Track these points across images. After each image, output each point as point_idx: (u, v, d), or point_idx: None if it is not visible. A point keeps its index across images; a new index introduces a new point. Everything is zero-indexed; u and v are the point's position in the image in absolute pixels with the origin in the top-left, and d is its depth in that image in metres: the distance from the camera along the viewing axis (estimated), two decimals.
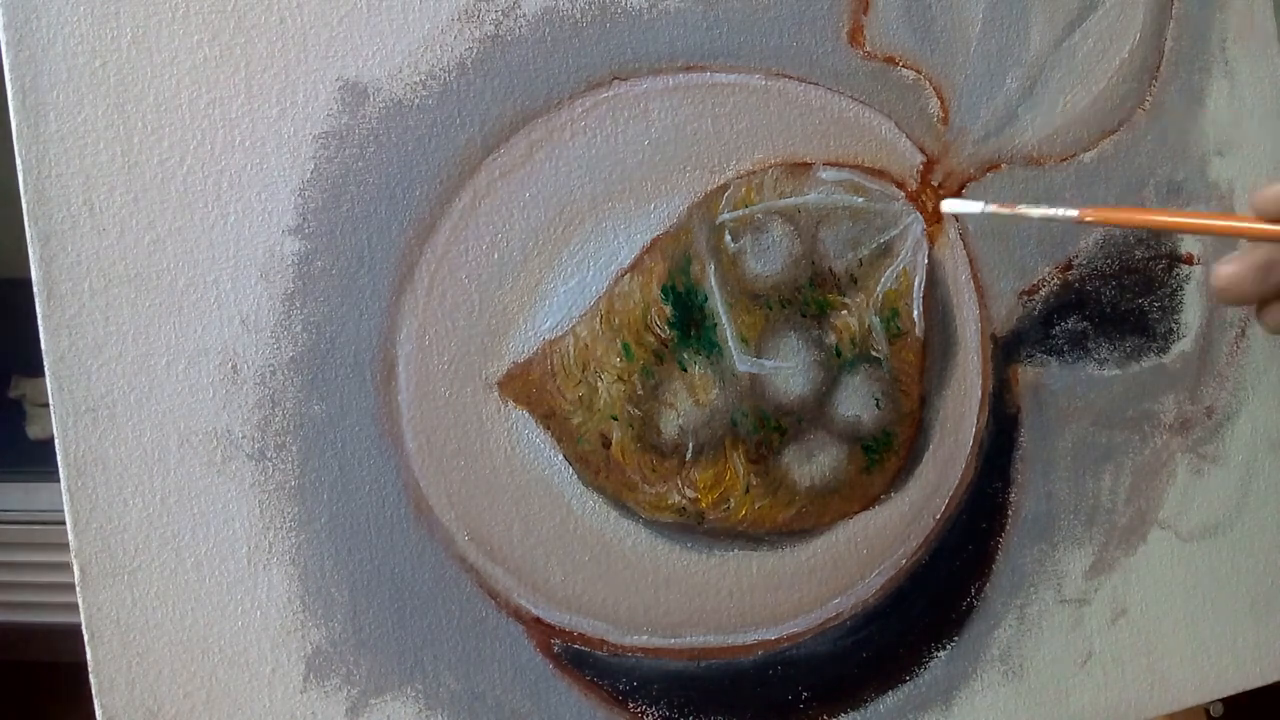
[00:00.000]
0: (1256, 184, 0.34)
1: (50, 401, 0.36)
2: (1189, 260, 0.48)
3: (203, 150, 0.37)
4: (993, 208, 0.40)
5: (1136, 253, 0.47)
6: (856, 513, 0.43)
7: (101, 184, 0.36)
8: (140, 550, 0.37)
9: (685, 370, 0.41)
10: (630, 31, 0.40)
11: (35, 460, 0.86)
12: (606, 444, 0.41)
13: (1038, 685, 0.46)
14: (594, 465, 0.41)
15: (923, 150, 0.44)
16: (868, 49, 0.43)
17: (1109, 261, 0.46)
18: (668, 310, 0.41)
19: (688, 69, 0.41)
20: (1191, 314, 0.48)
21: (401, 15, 0.38)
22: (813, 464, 0.43)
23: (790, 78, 0.42)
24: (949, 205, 0.43)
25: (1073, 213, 0.37)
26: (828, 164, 0.43)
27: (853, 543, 0.43)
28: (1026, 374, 0.46)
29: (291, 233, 0.38)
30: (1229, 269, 0.34)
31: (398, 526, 0.39)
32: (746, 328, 0.42)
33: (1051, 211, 0.38)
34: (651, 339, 0.41)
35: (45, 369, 0.36)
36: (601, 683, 0.41)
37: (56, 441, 0.36)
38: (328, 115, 0.38)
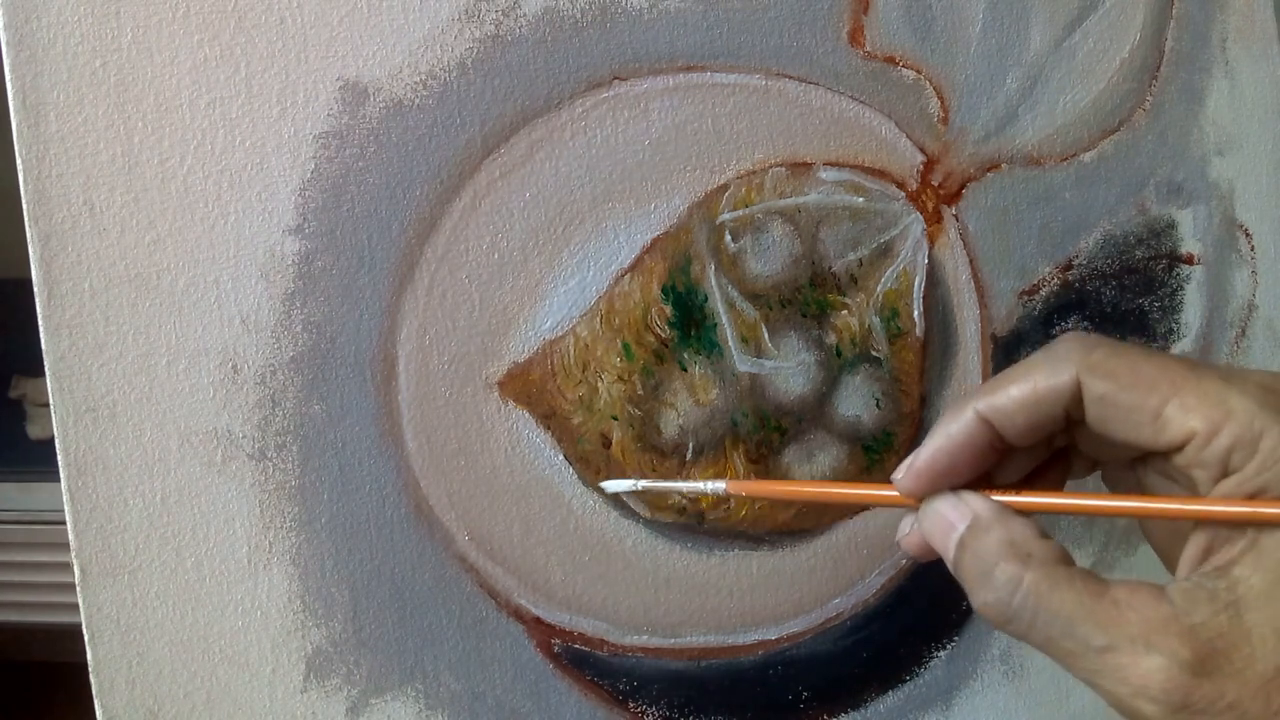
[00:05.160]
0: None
1: (50, 401, 0.36)
2: (1189, 260, 0.48)
3: (203, 150, 0.37)
4: (644, 484, 0.40)
5: (1137, 253, 0.47)
6: (856, 513, 0.43)
7: (101, 184, 0.36)
8: (140, 550, 0.37)
9: (685, 370, 0.41)
10: (630, 31, 0.40)
11: (35, 460, 0.86)
12: (607, 444, 0.41)
13: (1038, 685, 0.46)
14: (594, 465, 0.41)
15: (923, 150, 0.44)
16: (868, 49, 0.43)
17: (1109, 262, 0.46)
18: (668, 310, 0.41)
19: (688, 69, 0.41)
20: (1192, 314, 0.48)
21: (402, 15, 0.38)
22: (813, 464, 0.43)
23: (790, 78, 0.42)
24: (609, 486, 0.41)
25: (721, 485, 0.37)
26: (828, 164, 0.43)
27: (853, 543, 0.43)
28: None
29: (292, 232, 0.38)
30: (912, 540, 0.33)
31: (398, 526, 0.39)
32: (746, 328, 0.42)
33: (699, 486, 0.38)
34: (652, 339, 0.41)
35: (45, 369, 0.36)
36: (602, 683, 0.41)
37: (57, 441, 0.36)
38: (328, 115, 0.38)
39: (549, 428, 0.40)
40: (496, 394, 0.40)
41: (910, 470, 0.32)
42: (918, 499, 0.32)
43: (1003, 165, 0.45)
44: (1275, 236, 0.49)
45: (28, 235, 0.36)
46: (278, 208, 0.37)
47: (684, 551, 0.42)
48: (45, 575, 0.85)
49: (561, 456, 0.40)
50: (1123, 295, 0.47)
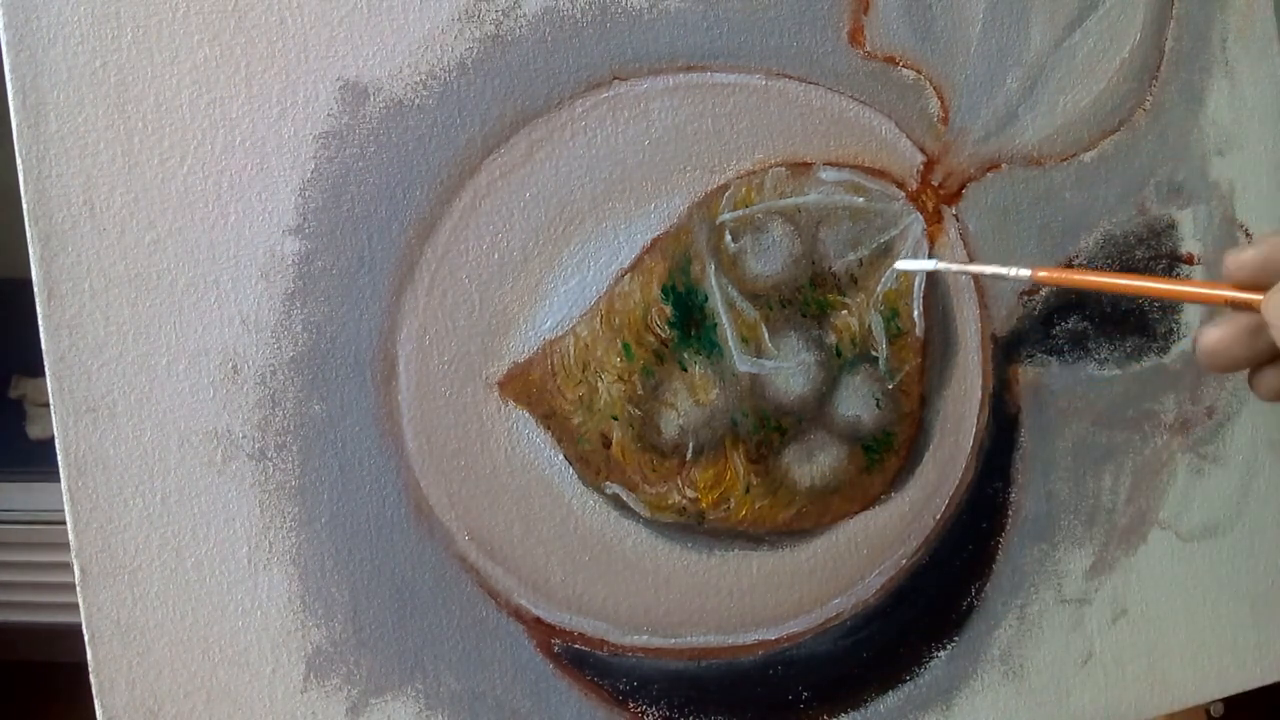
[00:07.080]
0: (1229, 249, 0.32)
1: (51, 401, 0.36)
2: (1189, 260, 0.48)
3: (203, 150, 0.37)
4: (943, 265, 0.42)
5: (1137, 253, 0.47)
6: (856, 513, 0.43)
7: (101, 184, 0.36)
8: (140, 550, 0.37)
9: (685, 370, 0.41)
10: (630, 31, 0.40)
11: (35, 460, 0.86)
12: (607, 444, 0.41)
13: (1038, 685, 0.46)
14: (594, 465, 0.41)
15: (923, 150, 0.44)
16: (868, 49, 0.43)
17: (1109, 261, 0.46)
18: (668, 310, 0.41)
19: (688, 69, 0.41)
20: (1192, 314, 0.48)
21: (402, 15, 0.38)
22: (813, 464, 0.43)
23: (790, 78, 0.42)
24: (901, 264, 0.43)
25: (1025, 272, 0.36)
26: (828, 164, 0.43)
27: (853, 543, 0.44)
28: (1027, 374, 0.46)
29: (292, 232, 0.38)
30: (1215, 333, 0.33)
31: (398, 526, 0.39)
32: (746, 328, 0.42)
33: (1003, 270, 0.37)
34: (652, 339, 0.41)
35: (46, 369, 0.36)
36: (602, 683, 0.41)
37: (57, 441, 0.36)
38: (328, 115, 0.38)
39: (549, 428, 0.40)
40: (496, 394, 0.40)
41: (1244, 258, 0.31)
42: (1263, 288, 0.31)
43: (1003, 165, 0.45)
44: None
45: (28, 235, 0.36)
46: (278, 208, 0.37)
47: (684, 551, 0.42)
48: (45, 575, 0.85)
49: (561, 456, 0.40)
50: (1123, 295, 0.47)
